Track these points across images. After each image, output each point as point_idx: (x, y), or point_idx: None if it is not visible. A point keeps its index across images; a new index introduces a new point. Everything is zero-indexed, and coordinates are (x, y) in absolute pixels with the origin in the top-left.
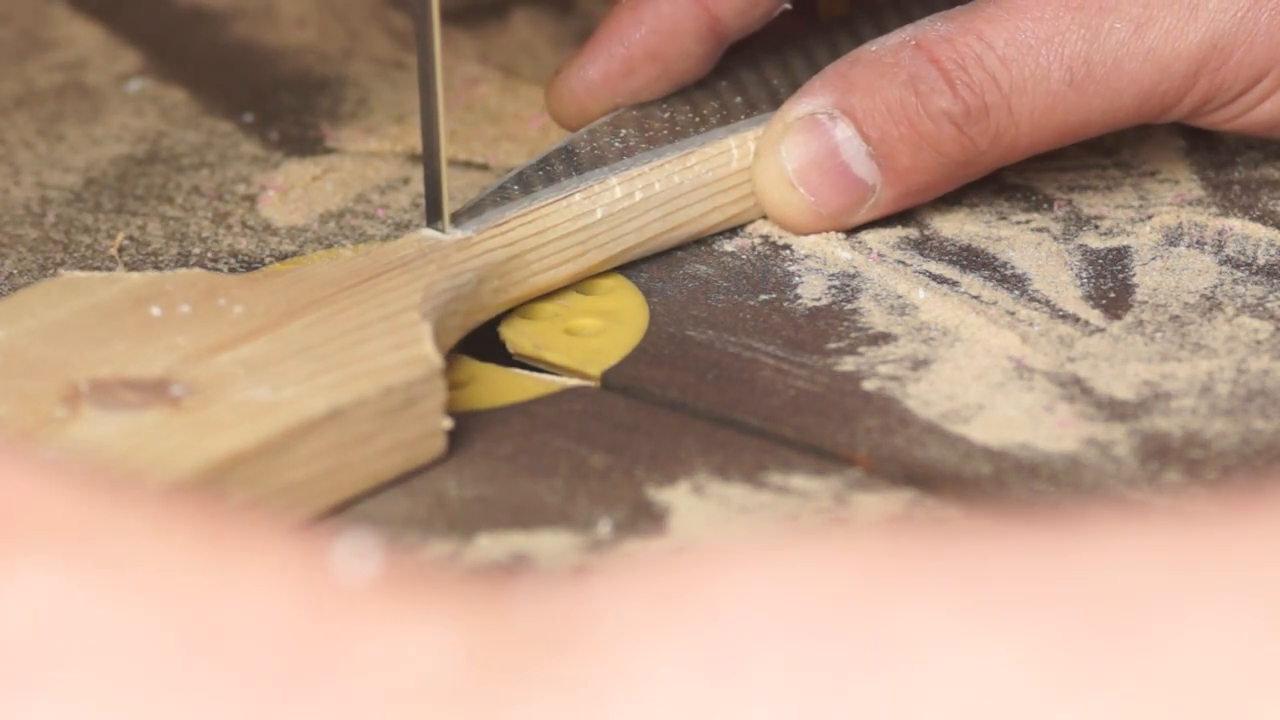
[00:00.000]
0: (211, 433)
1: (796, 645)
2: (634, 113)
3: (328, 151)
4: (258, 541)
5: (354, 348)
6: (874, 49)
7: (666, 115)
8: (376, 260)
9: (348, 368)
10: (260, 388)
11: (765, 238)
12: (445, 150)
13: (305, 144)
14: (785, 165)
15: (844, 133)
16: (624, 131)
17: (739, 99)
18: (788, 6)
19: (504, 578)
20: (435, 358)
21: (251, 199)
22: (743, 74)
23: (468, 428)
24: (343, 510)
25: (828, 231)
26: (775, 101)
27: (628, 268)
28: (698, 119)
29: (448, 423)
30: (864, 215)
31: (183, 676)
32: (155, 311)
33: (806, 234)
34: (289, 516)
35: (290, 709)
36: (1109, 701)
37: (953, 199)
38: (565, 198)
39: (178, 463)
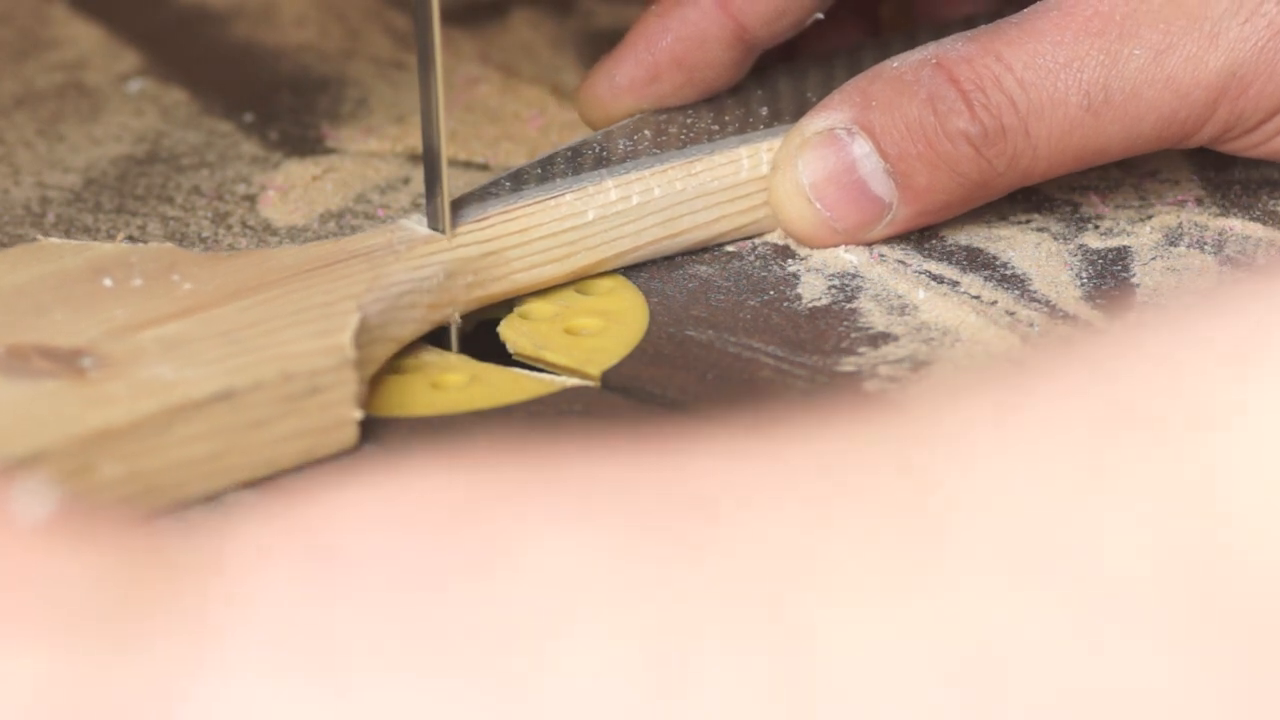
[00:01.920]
0: (96, 406)
1: (400, 555)
2: (658, 117)
3: (328, 151)
4: None
5: (279, 333)
6: (895, 65)
7: (689, 121)
8: (341, 248)
9: (262, 352)
10: (165, 366)
11: (765, 240)
12: (445, 150)
13: (305, 144)
14: (802, 179)
15: (862, 149)
16: (637, 135)
17: (765, 109)
18: (819, 17)
19: (156, 516)
20: (349, 349)
21: (251, 199)
22: (781, 84)
23: (468, 428)
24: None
25: (842, 246)
26: (804, 114)
27: (628, 268)
28: (716, 126)
29: (357, 414)
30: (880, 232)
31: None
32: (107, 283)
33: (821, 248)
34: (173, 495)
35: None
36: (681, 588)
37: None
38: (554, 197)
39: (51, 433)
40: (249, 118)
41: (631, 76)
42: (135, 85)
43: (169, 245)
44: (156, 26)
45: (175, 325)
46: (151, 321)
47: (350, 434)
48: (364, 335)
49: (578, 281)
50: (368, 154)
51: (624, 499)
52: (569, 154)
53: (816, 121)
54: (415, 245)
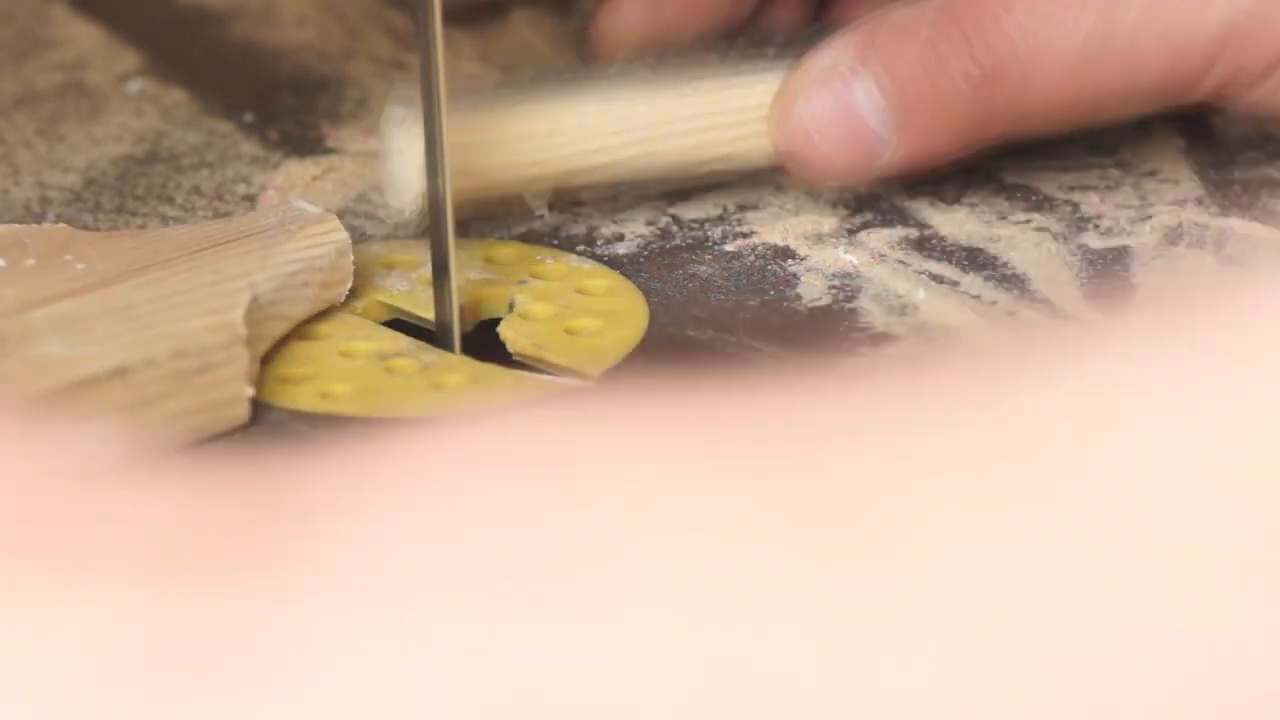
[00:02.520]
0: None
1: (483, 493)
2: (661, 51)
3: (328, 151)
4: None
5: (171, 311)
6: (901, 8)
7: (691, 54)
8: (233, 227)
9: (155, 329)
10: (57, 344)
11: (765, 240)
12: (448, 150)
13: (305, 144)
14: (802, 115)
15: (863, 87)
16: (634, 62)
17: (772, 50)
18: None
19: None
20: (240, 326)
21: (251, 199)
22: (802, 36)
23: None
24: None
25: (839, 184)
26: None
27: (627, 269)
28: (718, 59)
29: (249, 390)
30: (876, 172)
31: None
32: (0, 263)
33: (819, 185)
34: None
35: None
36: (760, 520)
37: (952, 199)
38: (528, 103)
39: None
40: (249, 118)
41: (638, 7)
42: (135, 85)
43: (62, 225)
44: (156, 26)
45: (68, 304)
46: (44, 301)
47: (242, 410)
48: (256, 313)
49: (563, 184)
50: (368, 154)
51: (705, 435)
52: (546, 74)
53: (820, 60)
54: (307, 225)
